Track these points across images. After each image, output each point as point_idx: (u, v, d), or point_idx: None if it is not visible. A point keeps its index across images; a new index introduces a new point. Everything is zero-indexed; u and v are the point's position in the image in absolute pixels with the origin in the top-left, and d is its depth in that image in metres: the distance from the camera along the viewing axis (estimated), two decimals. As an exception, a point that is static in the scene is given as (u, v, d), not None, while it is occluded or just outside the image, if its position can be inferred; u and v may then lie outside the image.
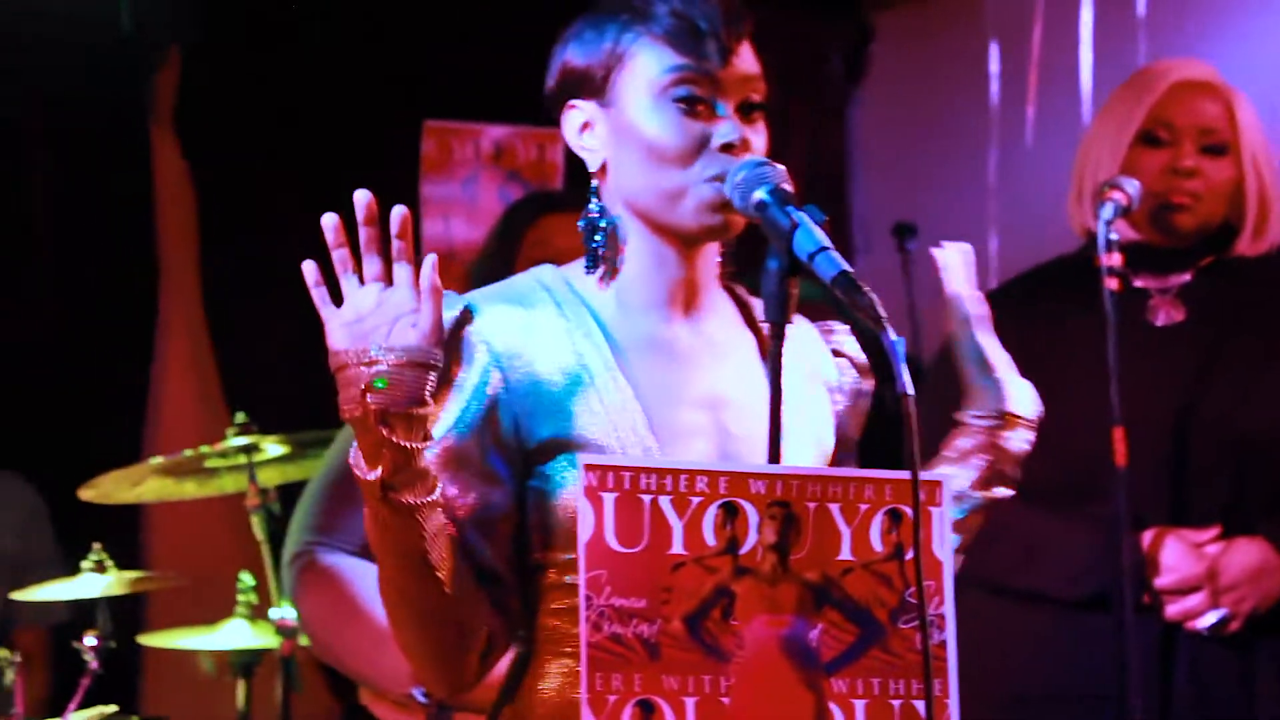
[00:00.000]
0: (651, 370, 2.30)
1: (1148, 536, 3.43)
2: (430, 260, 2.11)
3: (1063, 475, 3.42)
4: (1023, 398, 2.45)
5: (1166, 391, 3.47)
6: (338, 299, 2.14)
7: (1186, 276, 3.57)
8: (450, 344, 2.23)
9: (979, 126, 5.51)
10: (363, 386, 2.08)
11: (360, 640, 3.51)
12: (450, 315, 2.25)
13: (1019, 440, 2.46)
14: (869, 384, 2.47)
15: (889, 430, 2.34)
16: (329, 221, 2.13)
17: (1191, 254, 3.58)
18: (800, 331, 2.41)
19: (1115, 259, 3.37)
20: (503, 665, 2.37)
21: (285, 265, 5.43)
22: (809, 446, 2.37)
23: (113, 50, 5.22)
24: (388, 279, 2.13)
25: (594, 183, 2.34)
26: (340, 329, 2.12)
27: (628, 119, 2.29)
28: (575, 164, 5.72)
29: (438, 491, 2.14)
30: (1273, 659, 3.44)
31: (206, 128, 5.38)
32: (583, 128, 2.35)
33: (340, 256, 2.13)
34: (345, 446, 3.67)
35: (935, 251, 2.47)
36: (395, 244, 2.12)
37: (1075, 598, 3.45)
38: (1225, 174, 3.55)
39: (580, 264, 2.36)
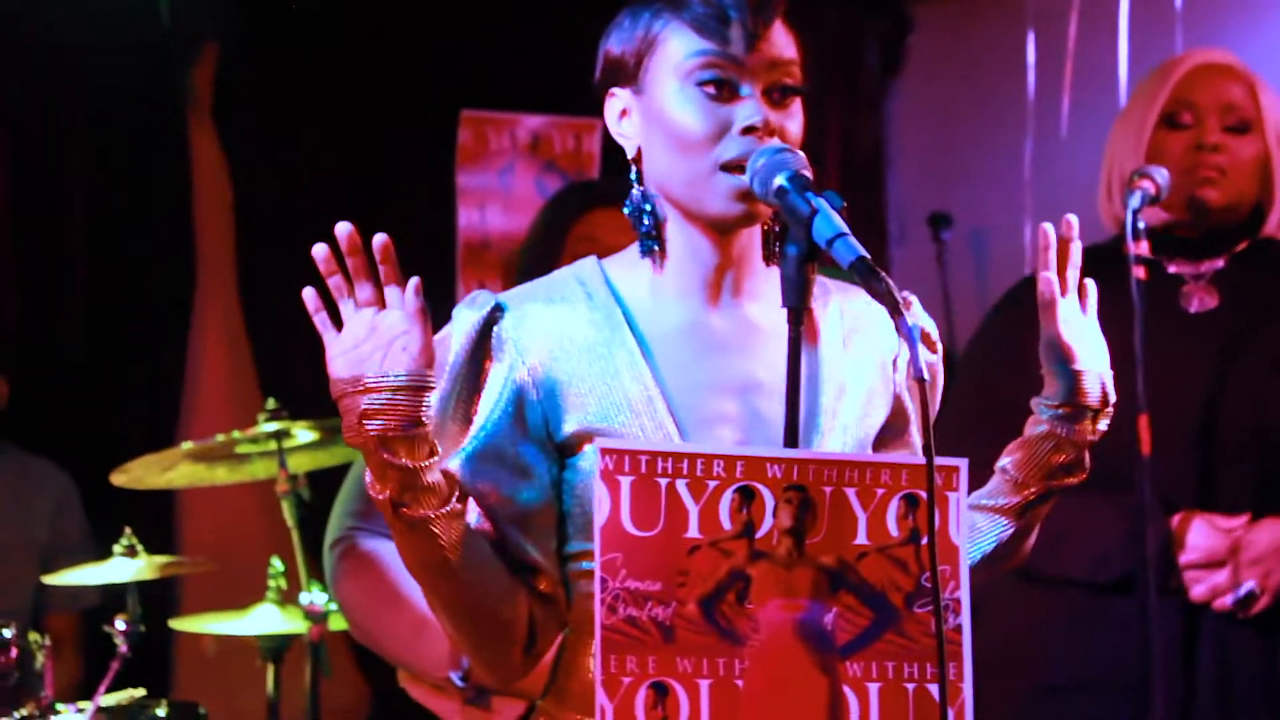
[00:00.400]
0: (682, 359, 2.30)
1: (1175, 520, 3.42)
2: (413, 284, 2.13)
3: (1094, 462, 3.41)
4: (1093, 387, 2.41)
5: (1198, 378, 3.47)
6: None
7: (1220, 262, 3.56)
8: (480, 342, 2.29)
9: (1015, 117, 5.49)
10: (359, 414, 2.10)
11: (399, 624, 3.53)
12: (481, 314, 2.30)
13: (1086, 430, 2.42)
14: (935, 357, 2.44)
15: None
16: (319, 252, 2.16)
17: (1224, 239, 3.56)
18: (858, 306, 2.37)
19: (1143, 247, 3.37)
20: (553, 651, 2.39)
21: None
22: (849, 428, 2.33)
23: (151, 44, 5.24)
24: (381, 303, 2.14)
25: (633, 169, 2.35)
26: (338, 357, 2.16)
27: (656, 104, 2.30)
28: (612, 154, 5.72)
29: (452, 502, 2.17)
30: None
31: (244, 120, 5.39)
32: (621, 115, 2.36)
33: (335, 283, 2.17)
34: None
35: (1044, 226, 2.44)
36: (380, 269, 2.13)
37: (1102, 581, 3.44)
38: (1250, 150, 3.54)
39: (623, 255, 2.39)
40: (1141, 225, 3.38)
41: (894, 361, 2.40)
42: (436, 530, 2.16)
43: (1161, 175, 3.44)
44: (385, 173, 5.47)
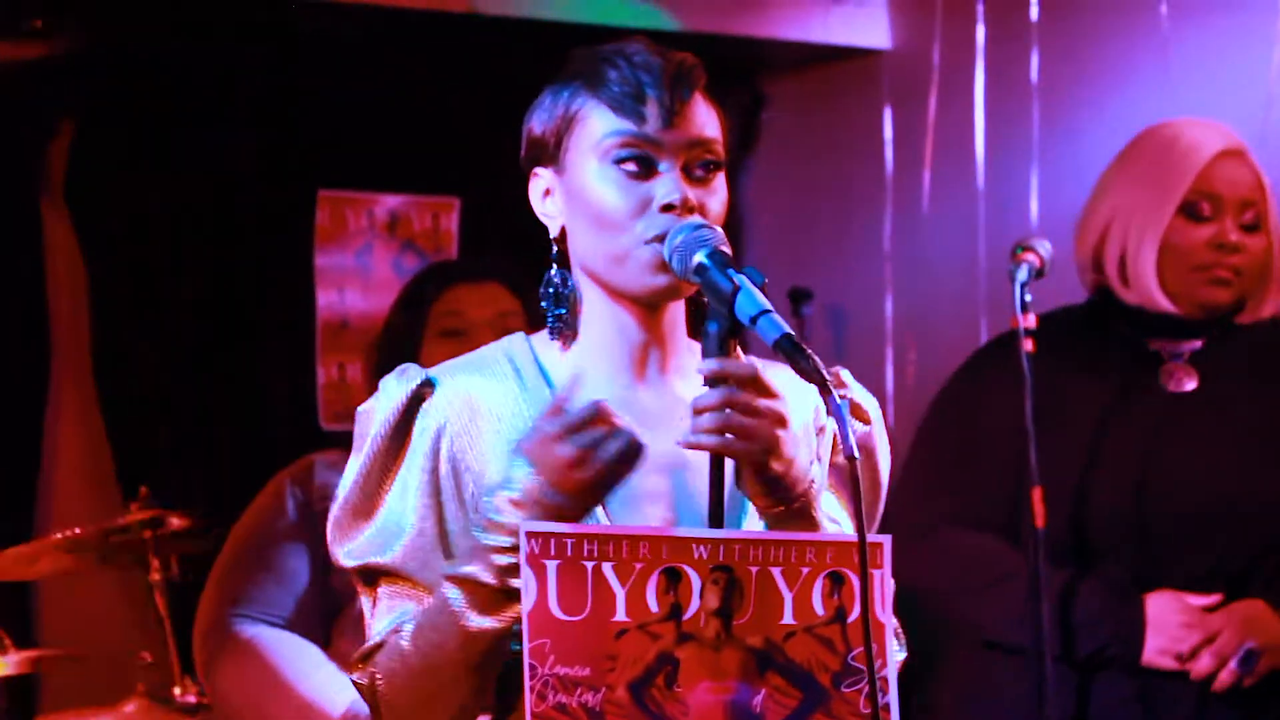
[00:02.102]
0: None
1: (1151, 600, 3.44)
2: None
3: (1073, 532, 3.44)
4: None
5: (1177, 457, 3.47)
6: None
7: (1198, 343, 3.57)
8: (405, 418, 2.27)
9: (874, 192, 5.53)
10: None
11: (285, 713, 3.47)
12: (409, 389, 2.28)
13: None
14: (866, 428, 2.41)
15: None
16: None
17: (1206, 321, 3.57)
18: (781, 380, 2.28)
19: (1030, 320, 3.39)
20: None
21: (178, 339, 5.41)
22: None
23: (4, 122, 5.16)
24: None
25: (554, 249, 2.33)
26: None
27: (577, 183, 2.29)
28: (470, 232, 5.72)
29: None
30: None
31: (97, 202, 5.31)
32: (545, 194, 2.35)
33: None
34: (260, 517, 3.63)
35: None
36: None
37: (1075, 657, 3.45)
38: (1260, 246, 3.53)
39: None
40: (1029, 298, 3.40)
41: (817, 431, 2.37)
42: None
43: (1044, 248, 3.46)
44: (243, 253, 5.41)
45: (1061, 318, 3.63)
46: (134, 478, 4.42)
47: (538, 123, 2.36)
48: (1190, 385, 3.53)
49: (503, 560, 2.12)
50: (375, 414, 2.28)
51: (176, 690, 3.93)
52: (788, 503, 2.19)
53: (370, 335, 5.49)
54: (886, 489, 2.46)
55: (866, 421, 2.41)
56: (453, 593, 2.16)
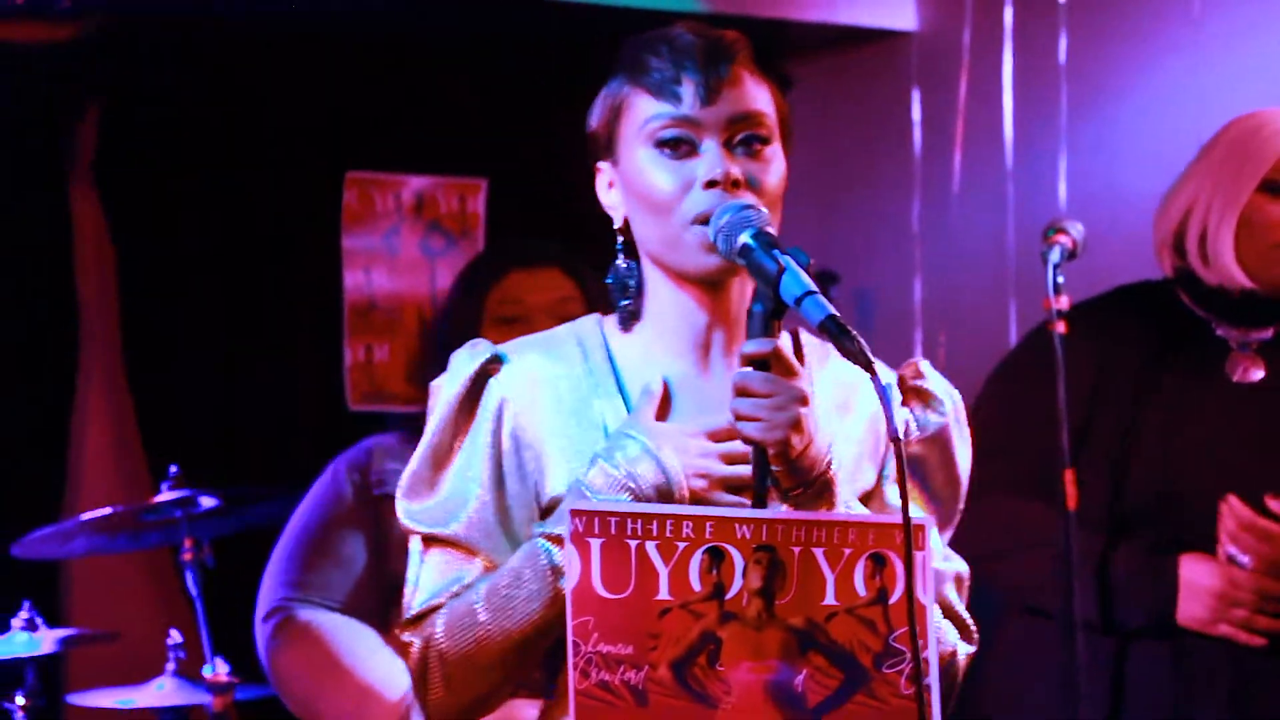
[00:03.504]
0: (671, 421, 2.29)
1: (1185, 562, 3.46)
2: None
3: (1125, 504, 3.45)
4: None
5: (1221, 451, 3.48)
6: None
7: (1268, 333, 3.57)
8: (472, 393, 2.31)
9: (902, 174, 5.52)
10: None
11: (341, 696, 3.50)
12: (476, 364, 2.33)
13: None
14: (942, 419, 2.41)
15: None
16: None
17: (1275, 308, 3.57)
18: (840, 364, 2.32)
19: (1063, 302, 3.39)
20: None
21: (206, 320, 5.43)
22: None
23: (32, 103, 5.16)
24: None
25: (619, 240, 2.36)
26: None
27: (628, 171, 2.32)
28: (497, 214, 5.71)
29: None
30: None
31: (126, 182, 5.32)
32: (608, 186, 2.38)
33: None
34: (318, 501, 3.65)
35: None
36: None
37: (1113, 623, 3.46)
38: None
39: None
40: (1061, 280, 3.40)
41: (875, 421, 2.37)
42: None
43: (1076, 230, 3.47)
44: (270, 235, 5.42)
45: (1135, 294, 3.65)
46: (163, 458, 4.42)
47: (594, 118, 2.38)
48: (1257, 375, 3.54)
49: None
50: (445, 388, 2.33)
51: (206, 670, 3.93)
52: (807, 483, 2.19)
53: (397, 317, 5.54)
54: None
55: (934, 411, 2.40)
56: (545, 550, 2.20)
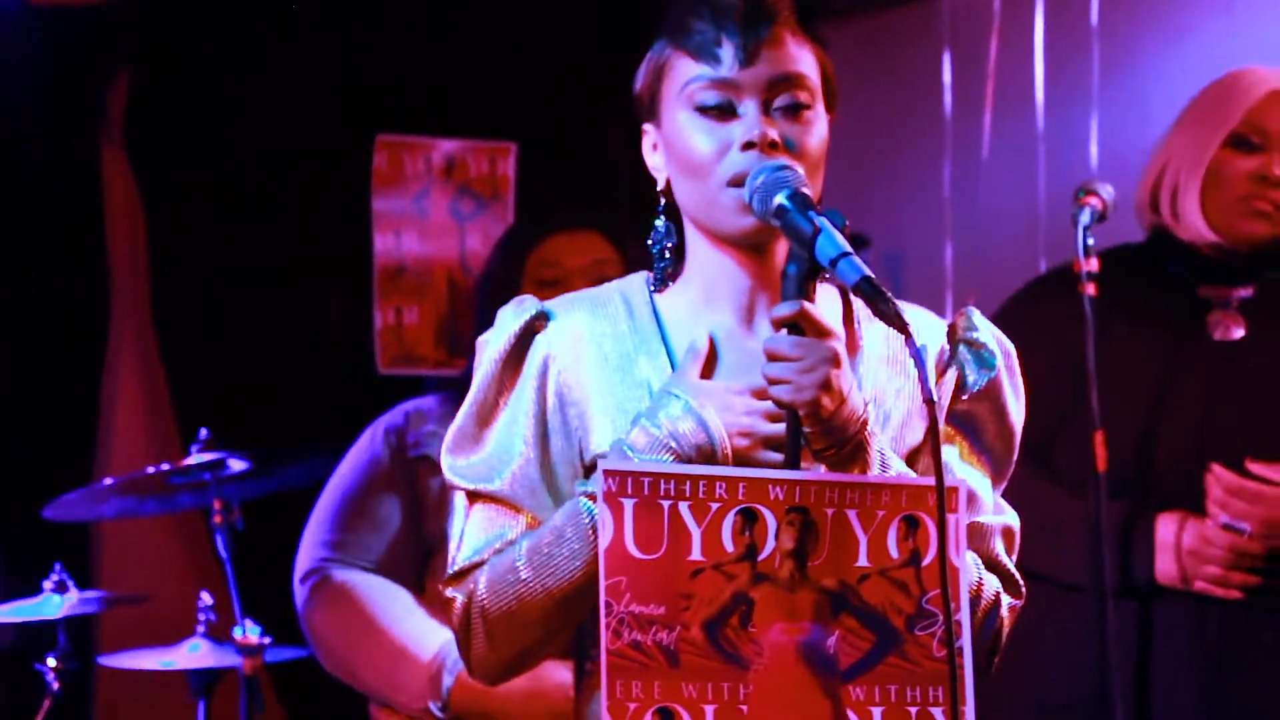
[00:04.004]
0: (716, 379, 2.29)
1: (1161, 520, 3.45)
2: None
3: (1122, 476, 3.45)
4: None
5: (1219, 408, 3.47)
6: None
7: (1248, 291, 3.56)
8: (518, 349, 2.32)
9: (933, 137, 5.50)
10: None
11: (377, 655, 3.54)
12: (522, 320, 2.33)
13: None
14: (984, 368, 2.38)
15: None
16: None
17: (1257, 265, 3.56)
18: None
19: (1093, 264, 3.38)
20: None
21: (237, 282, 5.43)
22: None
23: (63, 69, 5.16)
24: None
25: (662, 202, 2.36)
26: None
27: (669, 133, 2.32)
28: (527, 178, 5.70)
29: None
30: None
31: (156, 146, 5.32)
32: (653, 149, 2.38)
33: None
34: (355, 464, 3.67)
35: None
36: None
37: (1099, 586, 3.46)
38: None
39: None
40: (1091, 242, 3.39)
41: (935, 374, 2.36)
42: None
43: (1107, 191, 3.46)
44: (300, 198, 5.41)
45: (1116, 257, 3.63)
46: (193, 421, 4.43)
47: (638, 81, 2.38)
48: (1238, 333, 3.53)
49: None
50: (490, 344, 2.33)
51: (237, 632, 3.94)
52: (840, 444, 2.18)
53: (427, 280, 5.54)
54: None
55: (982, 370, 2.37)
56: (586, 509, 2.20)
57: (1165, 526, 3.44)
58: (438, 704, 3.47)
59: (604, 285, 2.42)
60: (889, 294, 2.08)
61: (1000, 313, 3.70)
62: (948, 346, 2.37)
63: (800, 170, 2.22)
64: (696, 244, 2.34)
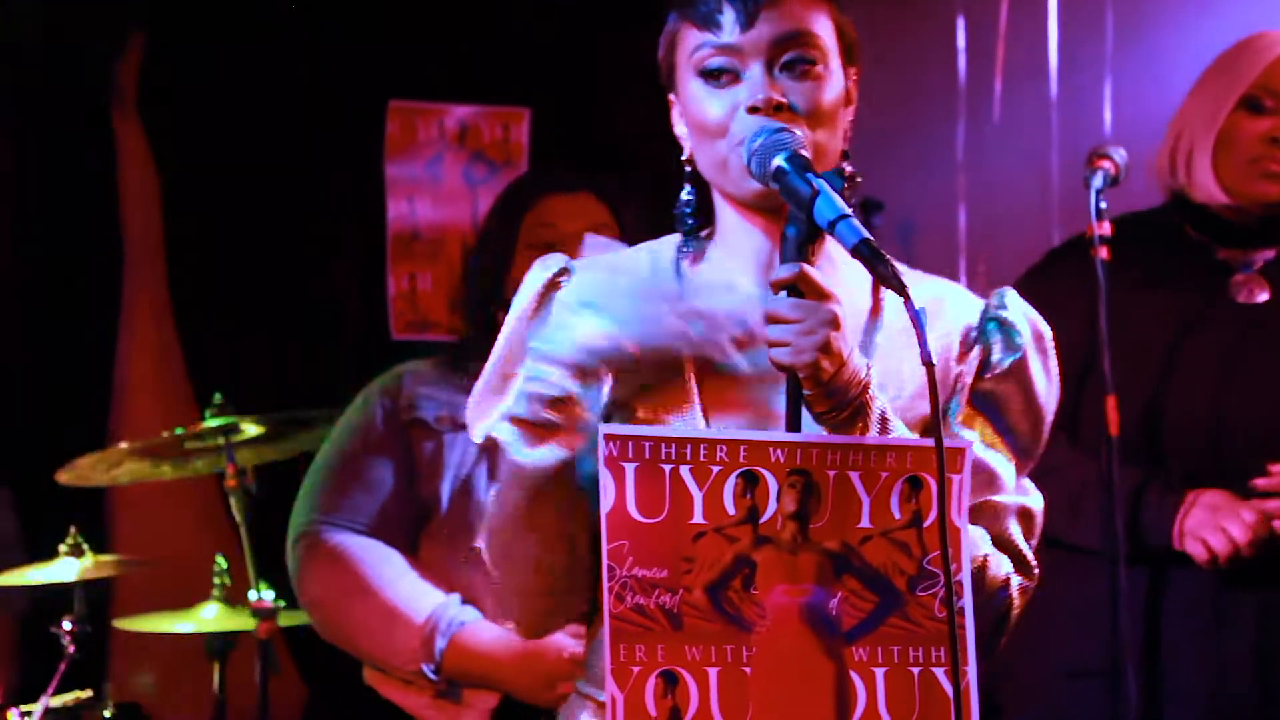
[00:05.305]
0: (728, 343, 2.29)
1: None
2: None
3: (1145, 441, 3.45)
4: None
5: (1244, 371, 3.46)
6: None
7: (1270, 253, 3.56)
8: (540, 304, 2.32)
9: (946, 102, 5.49)
10: None
11: (369, 617, 3.52)
12: (546, 275, 2.34)
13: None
14: (1015, 355, 2.36)
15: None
16: None
17: (1275, 226, 3.55)
18: (929, 292, 2.34)
19: (1105, 228, 3.38)
20: None
21: (250, 249, 5.44)
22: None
23: (76, 35, 5.16)
24: None
25: (687, 169, 2.37)
26: None
27: (683, 101, 2.34)
28: (541, 143, 5.69)
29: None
30: None
31: (170, 112, 5.32)
32: (679, 118, 2.38)
33: None
34: (349, 426, 3.67)
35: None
36: None
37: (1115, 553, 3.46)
38: None
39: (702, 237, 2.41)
40: (1104, 205, 3.39)
41: (960, 350, 2.35)
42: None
43: (1120, 155, 3.45)
44: (314, 164, 5.42)
45: (1135, 222, 3.62)
46: (207, 386, 4.44)
47: (659, 51, 2.39)
48: (1262, 297, 3.52)
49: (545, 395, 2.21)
50: (516, 301, 2.34)
51: (252, 594, 3.96)
52: (840, 406, 2.17)
53: (440, 246, 5.54)
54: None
55: (1011, 349, 2.35)
56: (506, 433, 2.23)
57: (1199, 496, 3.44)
58: (430, 666, 3.46)
59: (639, 245, 2.44)
60: (887, 256, 2.08)
61: (1019, 283, 3.70)
62: (975, 323, 2.36)
63: (799, 132, 2.22)
64: (722, 209, 2.36)
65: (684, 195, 2.37)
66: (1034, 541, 2.37)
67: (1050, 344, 2.39)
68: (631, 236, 2.46)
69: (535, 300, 2.33)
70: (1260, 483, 3.41)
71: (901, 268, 2.27)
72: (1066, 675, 3.52)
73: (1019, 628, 2.31)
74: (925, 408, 2.29)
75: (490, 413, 2.33)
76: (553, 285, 2.33)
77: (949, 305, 2.37)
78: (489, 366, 2.35)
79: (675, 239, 2.41)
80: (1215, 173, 3.50)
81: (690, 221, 2.37)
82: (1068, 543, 3.44)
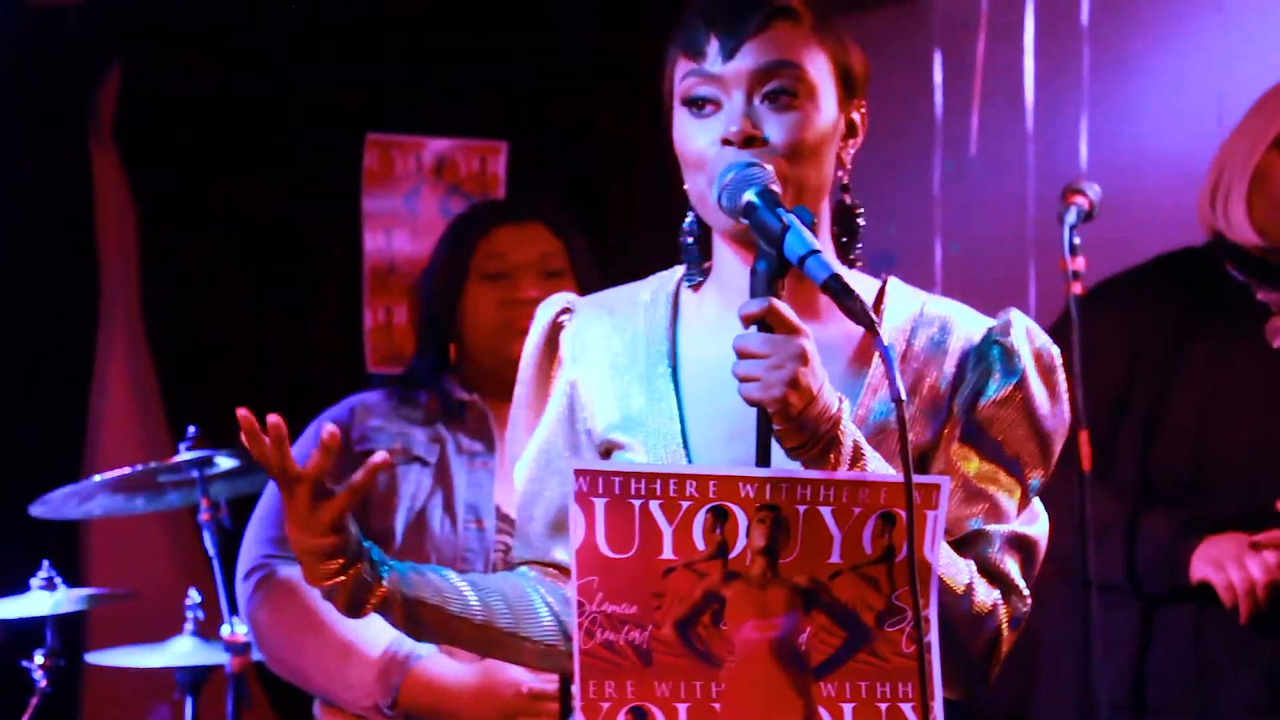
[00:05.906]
0: (714, 379, 2.26)
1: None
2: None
3: (1157, 469, 3.44)
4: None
5: (1257, 418, 3.46)
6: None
7: None
8: (549, 346, 2.41)
9: (923, 135, 5.50)
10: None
11: (323, 653, 3.49)
12: (549, 316, 2.42)
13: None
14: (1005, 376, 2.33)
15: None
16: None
17: None
18: (937, 317, 2.36)
19: (1079, 263, 3.38)
20: None
21: (227, 281, 5.42)
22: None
23: (54, 64, 5.16)
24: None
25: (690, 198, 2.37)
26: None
27: (673, 130, 2.34)
28: (517, 176, 5.69)
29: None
30: None
31: (147, 142, 5.32)
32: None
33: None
34: (298, 459, 3.64)
35: None
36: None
37: (1145, 591, 3.46)
38: None
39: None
40: (1077, 241, 3.39)
41: (954, 386, 2.33)
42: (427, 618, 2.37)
43: (1094, 190, 3.45)
44: (291, 197, 5.42)
45: (1175, 261, 3.62)
46: (183, 418, 4.43)
47: (663, 83, 2.39)
48: None
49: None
50: (527, 342, 2.44)
51: (224, 629, 3.94)
52: (811, 442, 2.14)
53: (417, 279, 5.53)
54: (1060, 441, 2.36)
55: (1011, 374, 2.33)
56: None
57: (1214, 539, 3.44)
58: (386, 702, 3.44)
59: (649, 278, 2.45)
60: (856, 292, 2.08)
61: (1055, 326, 3.70)
62: (974, 345, 2.34)
63: (770, 167, 2.21)
64: (716, 240, 2.36)
65: (685, 224, 2.38)
66: (1034, 569, 2.34)
67: (1056, 364, 2.35)
68: (580, 265, 2.47)
69: (542, 343, 2.41)
70: None
71: (909, 290, 2.30)
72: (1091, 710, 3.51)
73: (1047, 663, 2.30)
74: (927, 435, 2.30)
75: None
76: (556, 327, 2.41)
77: (955, 329, 2.36)
78: (515, 411, 2.45)
79: (676, 271, 2.44)
80: (1249, 213, 3.48)
81: (693, 250, 2.38)
82: (1094, 580, 3.43)
